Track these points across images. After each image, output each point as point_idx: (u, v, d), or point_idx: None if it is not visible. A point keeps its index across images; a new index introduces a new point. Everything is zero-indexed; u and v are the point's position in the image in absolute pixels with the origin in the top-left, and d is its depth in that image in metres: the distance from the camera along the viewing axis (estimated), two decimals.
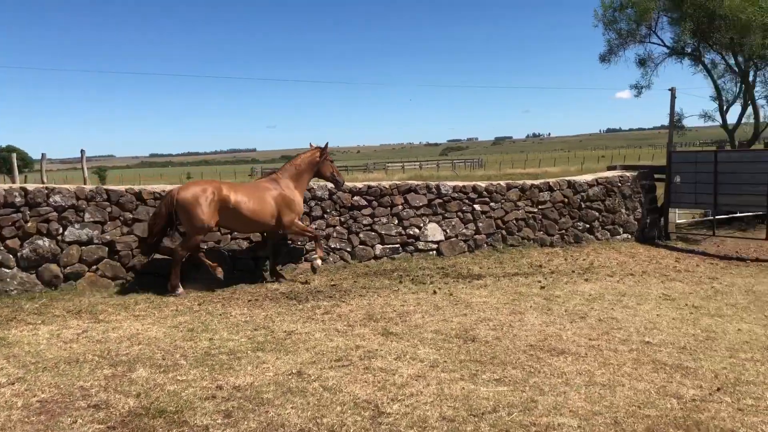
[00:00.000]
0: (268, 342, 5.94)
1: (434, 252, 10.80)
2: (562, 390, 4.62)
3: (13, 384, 4.80)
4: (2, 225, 8.12)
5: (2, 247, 8.11)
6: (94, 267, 8.53)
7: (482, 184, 11.57)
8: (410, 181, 11.33)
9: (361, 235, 10.32)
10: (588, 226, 12.17)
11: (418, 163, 74.96)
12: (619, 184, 12.62)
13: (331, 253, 10.09)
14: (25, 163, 61.98)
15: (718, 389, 4.63)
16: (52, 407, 4.36)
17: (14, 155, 31.97)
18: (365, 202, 10.47)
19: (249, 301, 7.81)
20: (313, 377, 4.93)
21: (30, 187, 8.43)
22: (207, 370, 5.15)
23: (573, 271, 9.43)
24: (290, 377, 4.95)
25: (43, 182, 24.76)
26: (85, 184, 15.89)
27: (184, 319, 6.84)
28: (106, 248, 8.61)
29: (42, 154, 30.99)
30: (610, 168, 14.31)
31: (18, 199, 8.23)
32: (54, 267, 8.30)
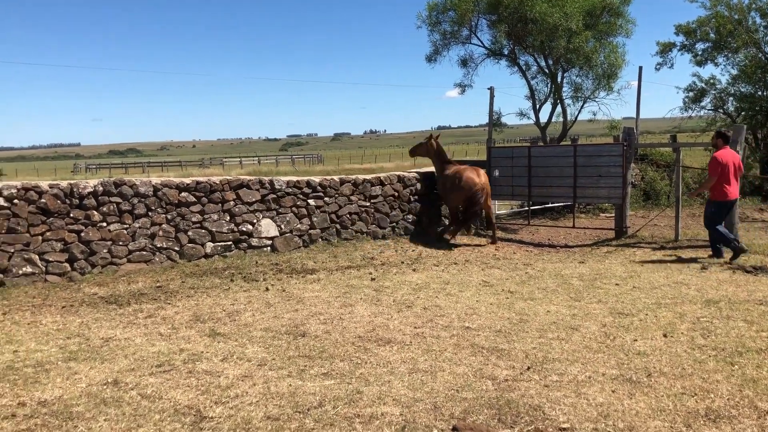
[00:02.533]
0: (82, 351, 5.51)
1: (269, 248, 10.66)
2: (387, 379, 4.74)
3: None
4: None
5: None
6: None
7: (316, 179, 11.61)
8: (243, 176, 11.08)
9: (189, 233, 9.92)
10: (417, 218, 12.66)
11: (257, 159, 73.79)
12: None
13: (157, 253, 9.59)
14: None
15: (528, 368, 5.00)
16: None
17: None
18: (194, 199, 10.07)
19: (63, 307, 7.21)
20: (130, 385, 4.64)
21: None
22: (8, 385, 4.66)
23: (402, 262, 9.76)
24: (105, 387, 4.62)
25: None
26: None
27: None
28: None
29: None
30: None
31: None
32: None
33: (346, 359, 5.22)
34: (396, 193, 12.39)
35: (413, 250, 10.93)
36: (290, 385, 4.63)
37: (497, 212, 14.79)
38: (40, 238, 8.64)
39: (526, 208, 15.47)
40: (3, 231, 8.30)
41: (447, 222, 12.94)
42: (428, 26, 18.82)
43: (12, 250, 8.37)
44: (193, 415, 4.11)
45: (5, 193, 8.39)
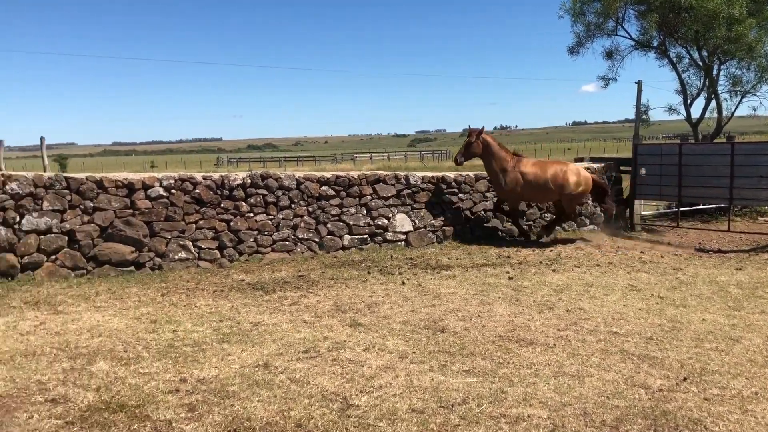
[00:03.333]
0: (233, 333, 5.81)
1: (402, 243, 10.75)
2: (532, 381, 4.60)
3: None
4: None
5: None
6: (53, 257, 8.27)
7: (451, 174, 11.56)
8: (379, 172, 11.26)
9: (329, 226, 10.21)
10: (555, 217, 12.25)
11: (386, 154, 74.90)
12: None
13: (299, 244, 9.96)
14: None
15: (685, 379, 4.66)
16: (7, 402, 4.19)
17: None
18: (333, 192, 10.36)
19: (214, 291, 7.66)
20: (279, 369, 4.83)
21: None
22: (170, 362, 5.01)
23: (541, 262, 9.46)
24: (256, 369, 4.84)
25: (0, 169, 23.98)
26: (44, 171, 15.39)
27: (147, 311, 6.67)
28: (66, 237, 8.35)
29: (0, 140, 30.14)
30: (577, 160, 14.42)
31: None
32: (11, 257, 8.02)
33: (487, 358, 5.12)
34: None
35: (551, 250, 10.57)
36: (432, 379, 4.61)
37: (642, 213, 13.96)
38: (193, 226, 9.24)
39: (674, 210, 14.50)
40: (161, 218, 8.96)
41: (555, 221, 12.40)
42: (571, 16, 18.08)
43: (169, 237, 9.02)
44: (340, 402, 4.19)
45: (164, 183, 9.06)
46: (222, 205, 9.47)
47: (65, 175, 8.56)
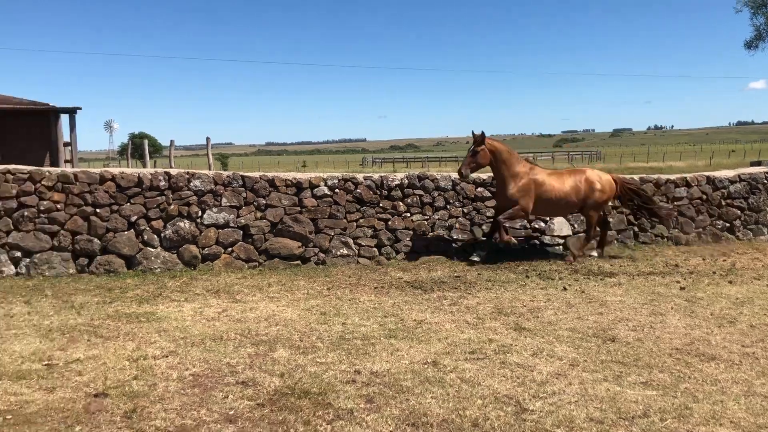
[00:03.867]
0: (399, 330, 5.96)
1: (560, 247, 10.46)
2: (718, 398, 4.30)
3: (166, 357, 5.10)
4: (148, 207, 8.68)
5: (148, 228, 8.68)
6: (230, 249, 8.94)
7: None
8: None
9: (483, 227, 10.17)
10: (728, 224, 11.35)
11: (531, 155, 73.21)
12: (765, 181, 11.66)
13: (453, 244, 10.01)
14: (155, 149, 66.44)
15: None
16: (203, 381, 4.59)
17: (146, 141, 34.20)
18: (489, 194, 10.30)
19: (375, 288, 7.89)
20: (449, 368, 4.89)
21: (173, 171, 8.95)
22: (344, 353, 5.23)
23: (714, 272, 8.80)
24: (426, 366, 4.93)
25: (171, 167, 26.34)
26: (209, 169, 16.64)
27: (316, 303, 7.02)
28: (241, 231, 9.00)
29: (171, 140, 32.96)
30: (753, 164, 13.25)
31: (162, 183, 8.76)
32: (193, 248, 8.78)
33: (665, 371, 4.86)
34: (704, 196, 11.27)
35: (724, 260, 9.80)
36: (608, 389, 4.45)
37: None
38: (354, 224, 9.59)
39: None
40: (326, 216, 9.39)
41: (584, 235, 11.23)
42: (751, 9, 16.71)
43: (332, 234, 9.42)
44: (514, 405, 4.17)
45: (329, 183, 9.48)
46: (380, 205, 9.74)
47: (241, 174, 9.23)
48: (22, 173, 8.39)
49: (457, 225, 10.08)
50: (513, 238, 9.98)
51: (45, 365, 4.89)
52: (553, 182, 9.62)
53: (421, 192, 9.99)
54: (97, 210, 8.51)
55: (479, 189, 10.27)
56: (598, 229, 10.08)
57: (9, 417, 3.91)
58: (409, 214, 9.90)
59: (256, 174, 9.32)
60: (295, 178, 9.32)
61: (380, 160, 79.21)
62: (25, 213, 8.28)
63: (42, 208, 8.33)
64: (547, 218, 10.50)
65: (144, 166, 33.50)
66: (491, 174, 10.39)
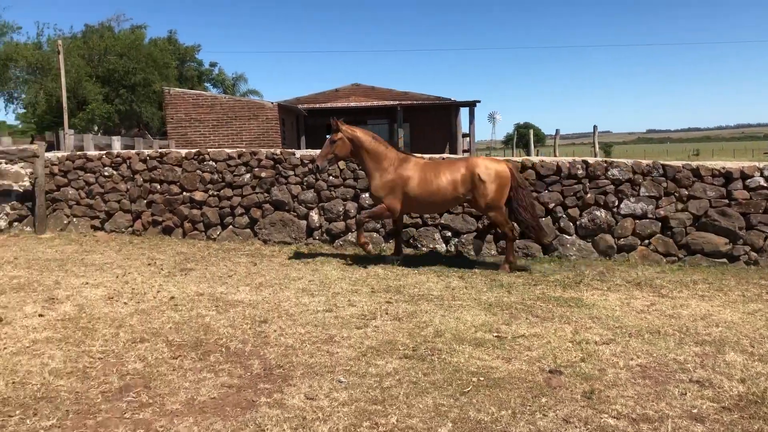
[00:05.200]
0: None
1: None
2: None
3: (607, 344, 5.14)
4: (565, 195, 8.90)
5: (564, 215, 8.90)
6: (646, 241, 8.63)
7: None
8: None
9: None
10: None
11: None
12: None
13: None
14: (538, 138, 68.28)
15: None
16: (653, 374, 4.49)
17: (531, 131, 35.22)
18: None
19: None
20: None
21: (590, 160, 8.99)
22: None
23: None
24: None
25: (554, 156, 26.68)
26: (595, 157, 16.20)
27: (758, 307, 6.30)
28: (659, 223, 8.60)
29: (556, 130, 33.46)
30: None
31: (579, 172, 8.87)
32: (609, 237, 8.71)
33: None
34: None
35: None
36: None
37: None
38: None
39: None
40: (760, 211, 8.34)
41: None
42: None
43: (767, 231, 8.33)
44: None
45: (766, 173, 8.39)
46: None
47: (662, 162, 8.79)
48: None
49: None
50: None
51: (495, 336, 5.37)
52: (428, 175, 8.14)
53: None
54: None
55: None
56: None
57: (481, 379, 4.40)
58: None
59: (678, 163, 8.77)
60: (724, 168, 8.49)
61: None
62: None
63: None
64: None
65: (527, 155, 34.69)
66: None
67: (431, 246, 9.33)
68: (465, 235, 9.22)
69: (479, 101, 30.16)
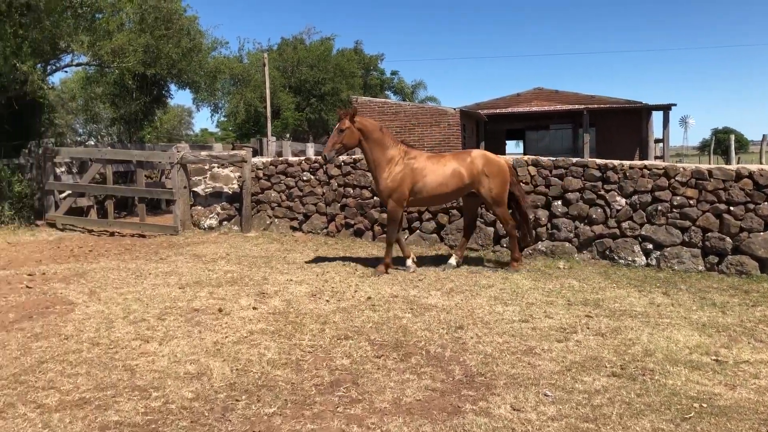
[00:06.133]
0: None
1: None
2: None
3: None
4: None
5: None
6: None
7: None
8: None
9: None
10: None
11: None
12: None
13: None
14: (740, 144, 61.95)
15: None
16: None
17: (731, 137, 32.01)
18: None
19: None
20: None
21: None
22: None
23: None
24: None
25: (761, 163, 23.88)
26: None
27: None
28: None
29: (763, 135, 30.06)
30: None
31: None
32: None
33: None
34: None
35: None
36: None
37: None
38: None
39: None
40: None
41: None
42: None
43: None
44: None
45: None
46: None
47: None
48: (657, 169, 8.77)
49: None
50: None
51: (714, 360, 4.91)
52: (435, 167, 8.31)
53: None
54: (731, 208, 8.23)
55: None
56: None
57: (704, 405, 4.03)
58: None
59: None
60: None
61: None
62: (659, 207, 8.63)
63: (675, 203, 8.54)
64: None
65: (727, 162, 31.57)
66: None
67: (630, 259, 8.78)
68: (668, 248, 8.57)
69: (674, 104, 28.10)
